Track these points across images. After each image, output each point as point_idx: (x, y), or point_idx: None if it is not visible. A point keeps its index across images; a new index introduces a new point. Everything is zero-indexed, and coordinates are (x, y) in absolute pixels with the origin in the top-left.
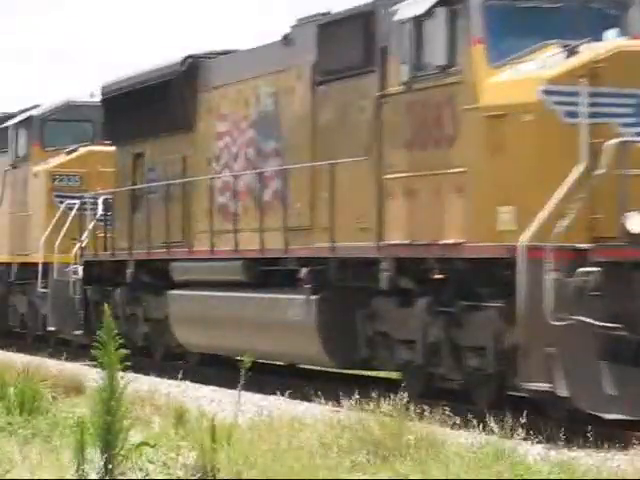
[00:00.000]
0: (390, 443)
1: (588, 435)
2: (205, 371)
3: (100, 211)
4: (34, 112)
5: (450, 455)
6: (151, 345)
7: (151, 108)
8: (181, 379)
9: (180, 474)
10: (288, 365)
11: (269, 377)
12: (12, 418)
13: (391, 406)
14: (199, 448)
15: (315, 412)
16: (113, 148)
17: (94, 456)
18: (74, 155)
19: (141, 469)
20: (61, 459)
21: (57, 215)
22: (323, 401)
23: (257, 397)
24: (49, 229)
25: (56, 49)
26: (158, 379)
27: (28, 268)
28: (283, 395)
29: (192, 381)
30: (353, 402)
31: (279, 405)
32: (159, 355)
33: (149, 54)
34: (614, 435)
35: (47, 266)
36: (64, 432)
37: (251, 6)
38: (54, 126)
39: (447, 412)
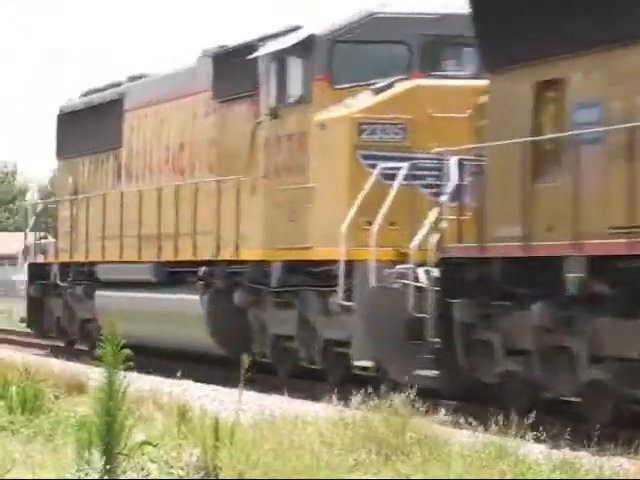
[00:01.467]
0: (393, 441)
1: (590, 435)
2: (206, 370)
3: (454, 179)
4: (316, 30)
5: (452, 454)
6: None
7: None
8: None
9: (182, 473)
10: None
11: (273, 377)
12: (14, 417)
13: (397, 404)
14: (201, 447)
15: (317, 410)
16: (469, 81)
17: (96, 455)
18: (389, 94)
19: (143, 468)
20: (63, 458)
21: (367, 187)
22: (333, 400)
23: (259, 396)
24: (354, 209)
25: (56, 49)
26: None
27: (300, 268)
28: (290, 395)
29: (194, 380)
30: (359, 401)
31: (281, 404)
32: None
33: (149, 54)
34: (616, 435)
35: (351, 266)
36: (66, 431)
37: (250, 6)
38: (349, 51)
39: (450, 411)
